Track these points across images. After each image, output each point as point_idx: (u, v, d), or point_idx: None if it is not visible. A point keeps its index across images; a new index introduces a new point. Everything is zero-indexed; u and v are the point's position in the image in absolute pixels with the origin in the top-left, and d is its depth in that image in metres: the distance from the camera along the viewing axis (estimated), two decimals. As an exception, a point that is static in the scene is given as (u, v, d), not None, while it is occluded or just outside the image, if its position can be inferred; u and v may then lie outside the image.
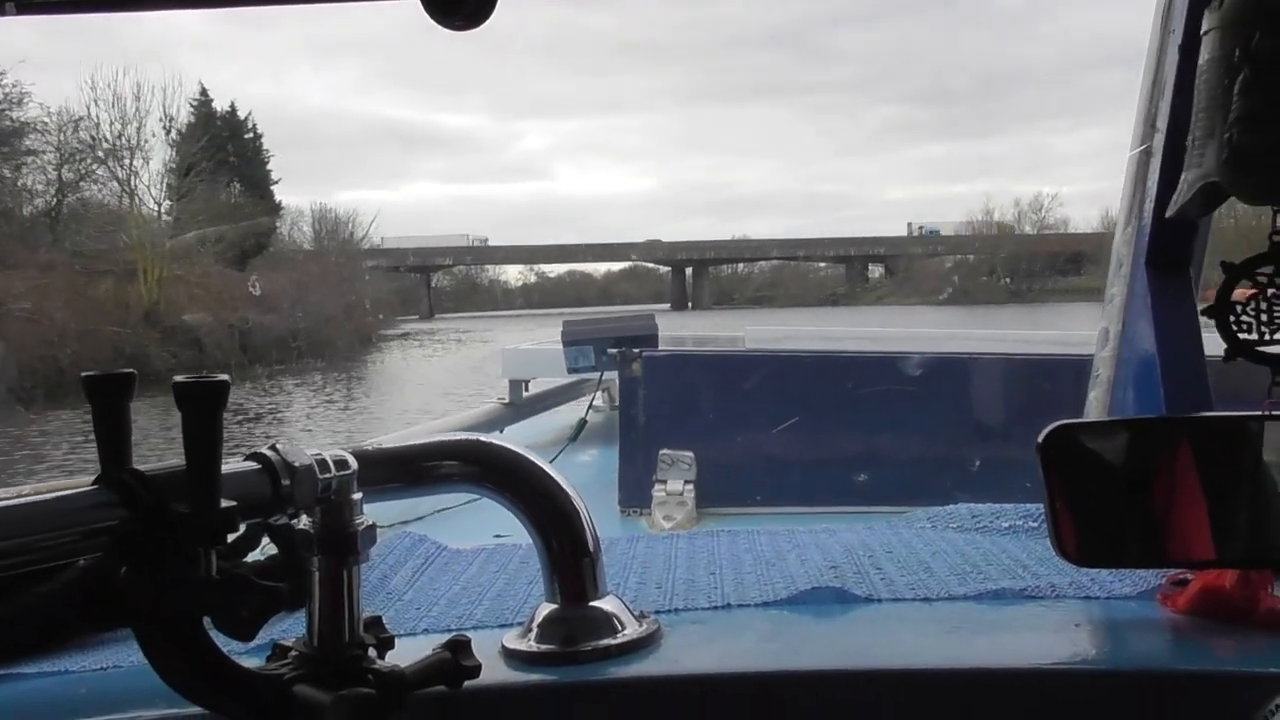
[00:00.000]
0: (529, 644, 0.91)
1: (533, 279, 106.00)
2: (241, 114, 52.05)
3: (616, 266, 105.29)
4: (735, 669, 0.89)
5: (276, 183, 52.37)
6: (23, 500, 0.64)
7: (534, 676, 0.88)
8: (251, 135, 51.73)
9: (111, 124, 35.82)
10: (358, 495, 0.75)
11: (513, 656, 0.90)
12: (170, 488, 0.65)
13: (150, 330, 30.42)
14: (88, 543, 0.64)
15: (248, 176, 49.74)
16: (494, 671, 0.84)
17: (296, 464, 0.71)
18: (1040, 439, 0.95)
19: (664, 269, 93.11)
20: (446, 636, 0.82)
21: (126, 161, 36.12)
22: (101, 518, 0.64)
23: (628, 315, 3.54)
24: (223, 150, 47.86)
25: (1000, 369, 2.53)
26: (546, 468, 0.94)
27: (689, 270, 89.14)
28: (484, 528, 1.45)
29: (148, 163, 37.64)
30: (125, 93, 37.07)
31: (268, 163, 52.12)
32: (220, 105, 51.46)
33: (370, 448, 0.90)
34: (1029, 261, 71.83)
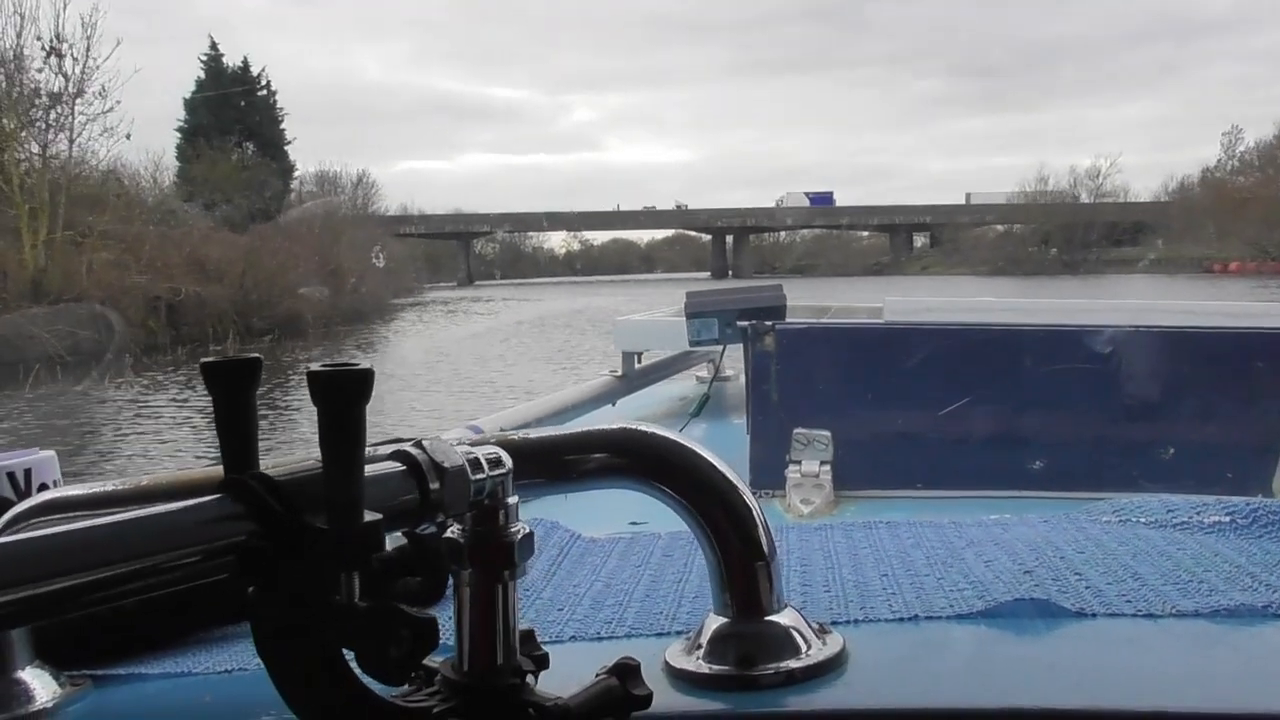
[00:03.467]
0: (697, 663, 0.77)
1: (577, 246, 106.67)
2: (255, 70, 48.91)
3: (660, 234, 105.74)
4: (946, 704, 0.73)
5: (290, 143, 49.59)
6: (133, 516, 0.55)
7: (707, 704, 0.74)
8: (265, 93, 48.99)
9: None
10: (513, 499, 0.65)
11: (679, 677, 0.77)
12: (305, 495, 0.56)
13: (35, 305, 23.56)
14: (210, 563, 0.55)
15: (260, 136, 47.23)
16: (660, 695, 0.70)
17: (447, 465, 0.61)
18: None
19: (706, 237, 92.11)
20: (595, 645, 0.81)
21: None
22: (225, 533, 0.55)
23: (753, 285, 3.19)
24: (234, 109, 45.73)
25: (1192, 344, 2.23)
26: (718, 463, 0.79)
27: (729, 238, 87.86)
28: (613, 511, 1.33)
29: (13, 92, 28.02)
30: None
31: (281, 122, 49.27)
32: (231, 60, 48.59)
33: (516, 437, 0.77)
34: (1085, 231, 69.17)
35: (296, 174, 49.54)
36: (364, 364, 0.56)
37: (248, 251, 29.71)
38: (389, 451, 0.62)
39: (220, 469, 0.58)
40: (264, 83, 48.93)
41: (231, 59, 48.70)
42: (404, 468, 0.61)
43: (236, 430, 0.58)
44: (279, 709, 0.59)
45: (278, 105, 49.40)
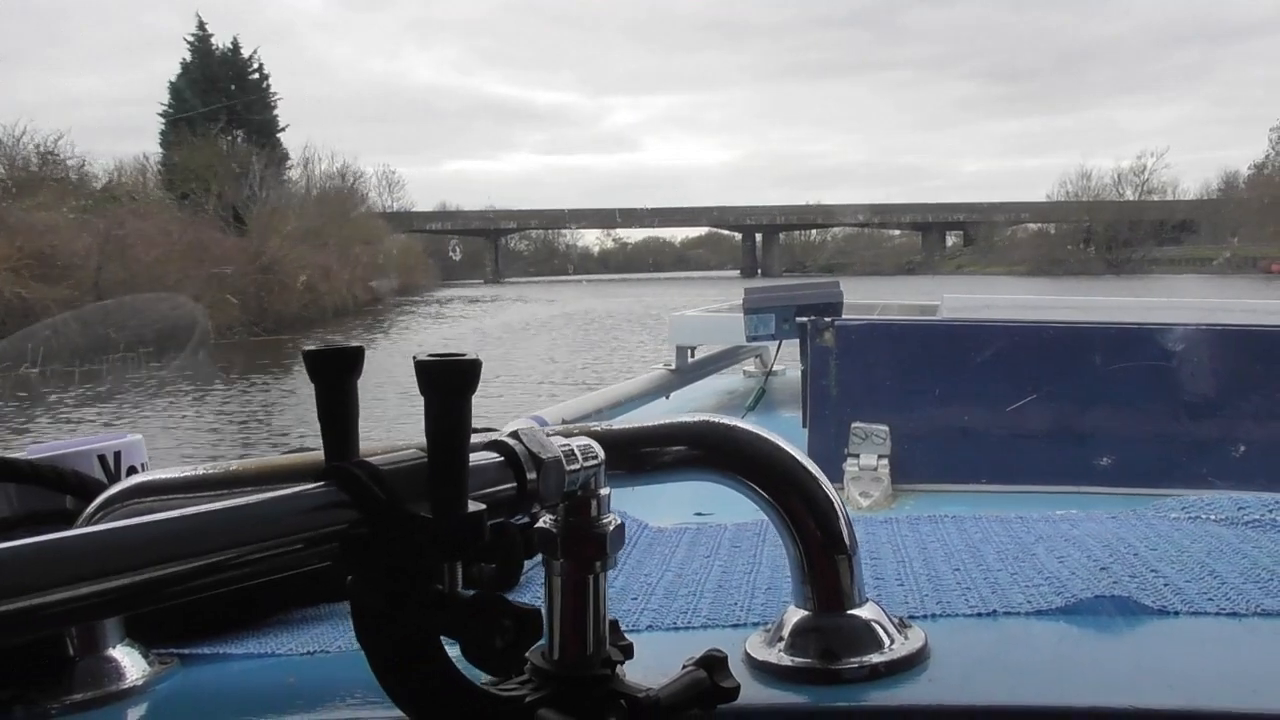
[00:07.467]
0: (779, 655, 0.77)
1: (610, 245, 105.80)
2: (245, 52, 46.20)
3: (693, 233, 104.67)
4: (1033, 701, 0.72)
5: (283, 130, 46.84)
6: (237, 503, 0.54)
7: (788, 697, 0.74)
8: (257, 77, 46.21)
9: None
10: (605, 490, 0.66)
11: (761, 669, 0.77)
12: (407, 484, 0.56)
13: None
14: (313, 550, 0.54)
15: (250, 122, 44.24)
16: (742, 687, 0.70)
17: (544, 455, 0.62)
18: None
19: (738, 236, 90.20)
20: (672, 635, 0.84)
21: None
22: (328, 521, 0.55)
23: (810, 282, 3.18)
24: (223, 94, 42.83)
25: (1261, 343, 2.17)
26: (800, 456, 0.79)
27: (759, 236, 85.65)
28: (677, 501, 1.31)
29: None
30: None
31: (274, 107, 46.64)
32: (221, 42, 45.58)
33: (599, 428, 0.77)
34: (1130, 229, 66.07)
35: (290, 163, 46.28)
36: (470, 355, 0.55)
37: (104, 242, 23.18)
38: (484, 441, 0.61)
39: (313, 456, 0.57)
40: (255, 66, 46.26)
41: (221, 40, 45.75)
42: (502, 458, 0.60)
43: (338, 419, 0.57)
44: (361, 692, 0.58)
45: (270, 90, 46.76)
